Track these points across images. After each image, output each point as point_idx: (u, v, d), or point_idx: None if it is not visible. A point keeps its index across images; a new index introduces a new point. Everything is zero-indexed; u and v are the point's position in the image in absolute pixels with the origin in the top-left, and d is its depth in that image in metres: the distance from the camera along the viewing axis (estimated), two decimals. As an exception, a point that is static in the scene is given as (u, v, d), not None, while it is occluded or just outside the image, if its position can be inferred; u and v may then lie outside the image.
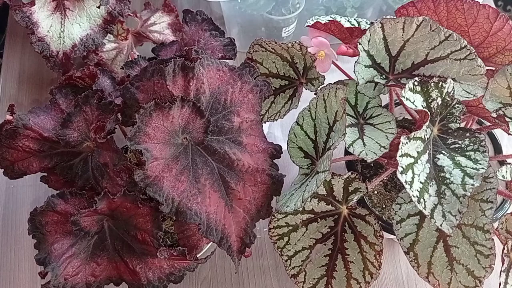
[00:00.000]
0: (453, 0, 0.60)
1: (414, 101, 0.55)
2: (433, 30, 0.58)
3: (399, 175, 0.52)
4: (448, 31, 0.58)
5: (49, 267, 0.60)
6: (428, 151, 0.56)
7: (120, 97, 0.60)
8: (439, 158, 0.55)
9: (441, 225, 0.52)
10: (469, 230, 0.58)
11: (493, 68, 0.63)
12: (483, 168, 0.53)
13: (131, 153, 0.74)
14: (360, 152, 0.58)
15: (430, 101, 0.56)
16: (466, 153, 0.55)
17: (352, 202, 0.63)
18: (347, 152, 0.75)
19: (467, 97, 0.57)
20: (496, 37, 0.60)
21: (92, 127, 0.61)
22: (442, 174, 0.55)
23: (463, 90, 0.58)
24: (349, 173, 0.62)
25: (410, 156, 0.54)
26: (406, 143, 0.53)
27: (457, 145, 0.56)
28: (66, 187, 0.64)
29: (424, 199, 0.53)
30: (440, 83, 0.55)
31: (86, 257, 0.62)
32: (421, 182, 0.53)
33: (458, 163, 0.55)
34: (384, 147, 0.58)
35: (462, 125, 0.58)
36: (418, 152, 0.55)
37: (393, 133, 0.60)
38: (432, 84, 0.55)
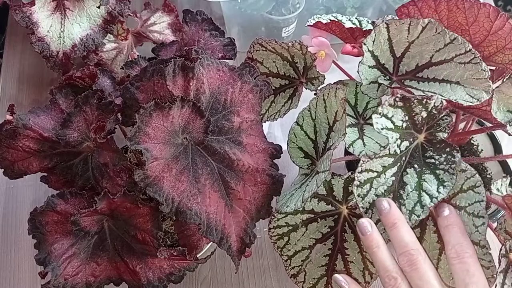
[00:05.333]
0: (453, -1, 0.60)
1: (392, 116, 0.55)
2: (438, 33, 0.58)
3: (353, 188, 0.53)
4: (454, 34, 0.57)
5: (49, 267, 0.60)
6: (399, 163, 0.56)
7: (120, 97, 0.60)
8: (407, 173, 0.56)
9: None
10: None
11: (493, 68, 0.63)
12: (442, 195, 0.53)
13: (131, 153, 0.74)
14: (360, 152, 0.58)
15: (413, 114, 0.55)
16: (436, 171, 0.55)
17: (352, 202, 0.63)
18: (347, 152, 0.75)
19: (471, 102, 0.56)
20: (497, 36, 0.60)
21: (92, 127, 0.61)
22: (401, 192, 0.55)
23: (467, 94, 0.57)
24: (349, 173, 0.62)
25: (372, 171, 0.54)
26: (367, 161, 0.54)
27: (432, 160, 0.56)
28: (66, 187, 0.64)
29: (372, 211, 0.55)
30: (424, 100, 0.55)
31: (86, 257, 0.62)
32: (376, 195, 0.55)
33: (420, 185, 0.55)
34: (384, 147, 0.58)
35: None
36: (384, 166, 0.55)
37: (393, 133, 0.60)
38: (415, 101, 0.55)
